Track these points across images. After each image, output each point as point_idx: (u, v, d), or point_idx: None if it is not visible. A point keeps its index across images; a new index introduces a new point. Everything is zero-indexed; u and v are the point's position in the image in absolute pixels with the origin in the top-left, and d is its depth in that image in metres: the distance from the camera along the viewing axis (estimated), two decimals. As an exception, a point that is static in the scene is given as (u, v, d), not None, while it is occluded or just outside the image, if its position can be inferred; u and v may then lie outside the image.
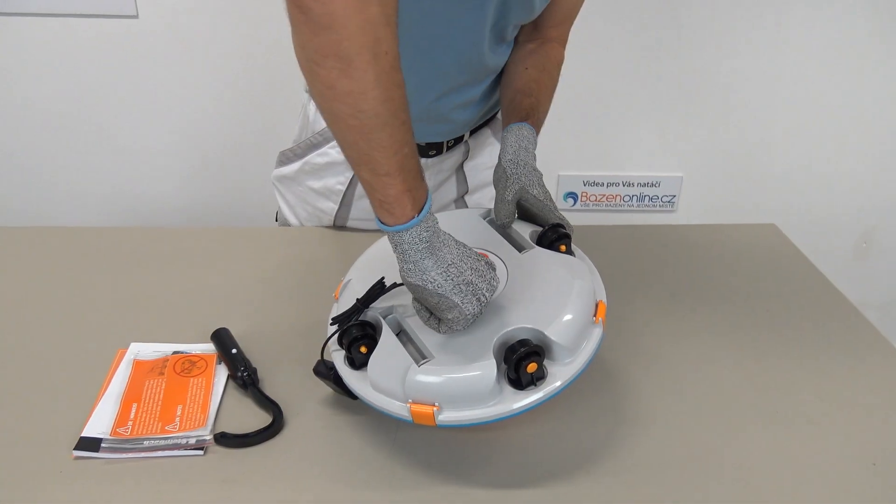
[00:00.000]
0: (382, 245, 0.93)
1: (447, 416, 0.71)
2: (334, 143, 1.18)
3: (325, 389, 0.86)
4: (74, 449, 0.77)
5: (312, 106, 1.21)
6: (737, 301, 1.08)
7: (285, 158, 1.25)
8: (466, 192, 1.27)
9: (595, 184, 2.12)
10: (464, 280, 0.72)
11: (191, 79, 1.91)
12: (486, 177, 1.25)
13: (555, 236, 0.85)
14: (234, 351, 0.90)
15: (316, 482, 0.75)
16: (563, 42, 1.12)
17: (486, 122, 1.23)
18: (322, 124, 1.19)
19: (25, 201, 2.07)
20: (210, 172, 2.05)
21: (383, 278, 0.82)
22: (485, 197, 1.28)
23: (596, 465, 0.78)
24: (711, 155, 2.11)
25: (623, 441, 0.81)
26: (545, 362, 0.73)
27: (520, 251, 0.85)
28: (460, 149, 1.21)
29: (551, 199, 0.90)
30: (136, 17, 1.79)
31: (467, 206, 1.27)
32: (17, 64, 1.87)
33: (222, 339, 0.92)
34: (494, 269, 0.78)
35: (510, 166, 0.91)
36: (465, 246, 0.76)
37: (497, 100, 1.18)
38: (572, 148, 2.08)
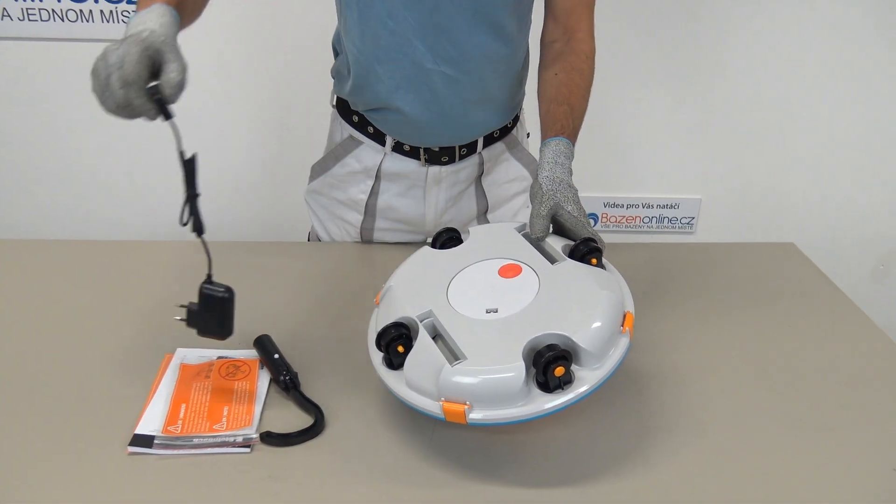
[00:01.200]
0: (421, 255, 0.98)
1: (477, 415, 0.75)
2: (354, 153, 1.24)
3: (364, 393, 0.90)
4: (129, 445, 0.81)
5: (336, 119, 1.27)
6: (758, 316, 1.11)
7: (315, 173, 1.32)
8: (487, 209, 1.31)
9: (615, 205, 2.16)
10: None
11: (224, 97, 1.97)
12: (505, 192, 1.30)
13: (586, 250, 0.89)
14: (276, 356, 0.94)
15: (357, 479, 0.79)
16: (588, 31, 1.14)
17: (500, 138, 1.26)
18: (342, 136, 1.25)
19: (74, 218, 2.14)
20: (245, 190, 2.11)
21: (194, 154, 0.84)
22: (507, 213, 1.33)
23: (620, 468, 0.81)
24: (730, 178, 2.15)
25: (647, 446, 0.84)
26: (573, 367, 0.76)
27: (552, 263, 0.89)
28: (473, 160, 1.25)
29: (585, 216, 0.95)
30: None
31: (488, 222, 1.31)
32: (57, 87, 1.94)
33: (265, 344, 0.97)
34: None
35: (546, 182, 0.96)
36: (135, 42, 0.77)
37: (512, 112, 1.24)
38: (593, 170, 2.12)
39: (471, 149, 1.23)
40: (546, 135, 1.04)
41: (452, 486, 0.79)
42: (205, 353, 0.98)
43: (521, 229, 0.99)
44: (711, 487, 0.79)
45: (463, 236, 0.99)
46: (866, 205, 2.21)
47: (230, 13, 1.84)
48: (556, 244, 0.93)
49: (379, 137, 1.21)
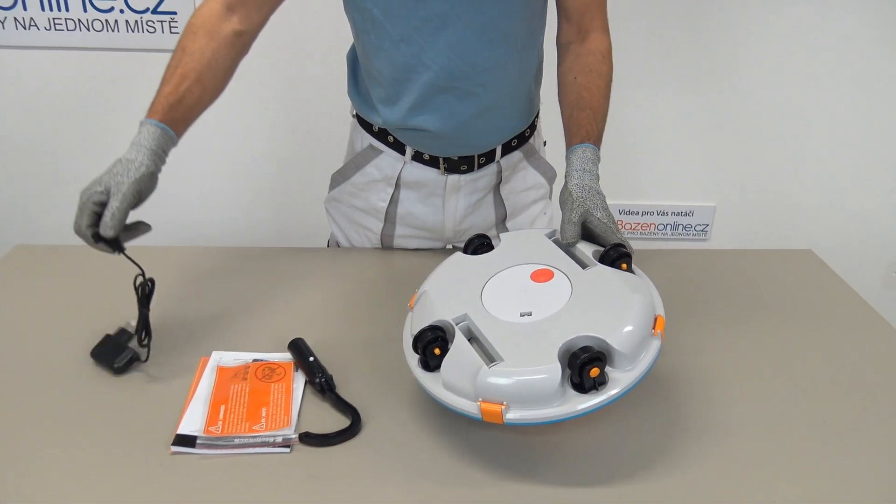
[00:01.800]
0: (454, 261, 1.00)
1: (514, 415, 0.77)
2: (375, 161, 1.26)
3: (398, 395, 0.93)
4: (172, 444, 0.84)
5: (356, 128, 1.29)
6: (779, 322, 1.13)
7: (335, 182, 1.34)
8: (506, 217, 1.33)
9: (631, 212, 2.18)
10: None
11: (248, 107, 2.00)
12: (523, 200, 1.32)
13: (616, 255, 0.91)
14: (311, 359, 0.96)
15: (394, 479, 0.81)
16: (602, 29, 1.15)
17: (518, 146, 1.28)
18: (362, 145, 1.27)
19: None
20: (264, 197, 2.14)
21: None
22: (525, 220, 1.34)
23: (650, 469, 0.83)
24: (743, 185, 2.17)
25: (675, 448, 0.86)
26: (606, 369, 0.78)
27: (583, 268, 0.91)
28: (492, 168, 1.27)
29: (614, 222, 0.97)
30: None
31: (507, 230, 1.33)
32: (82, 96, 1.98)
33: (299, 348, 0.99)
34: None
35: (576, 190, 0.98)
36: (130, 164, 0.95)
37: (529, 117, 1.25)
38: (609, 178, 2.12)
39: (489, 157, 1.25)
40: (571, 141, 1.07)
41: (487, 486, 0.81)
42: (240, 355, 1.00)
43: (551, 235, 1.01)
44: (740, 488, 0.81)
45: (494, 242, 1.02)
46: (879, 211, 2.23)
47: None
48: (586, 250, 0.95)
49: (399, 147, 1.23)
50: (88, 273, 1.22)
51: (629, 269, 0.92)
